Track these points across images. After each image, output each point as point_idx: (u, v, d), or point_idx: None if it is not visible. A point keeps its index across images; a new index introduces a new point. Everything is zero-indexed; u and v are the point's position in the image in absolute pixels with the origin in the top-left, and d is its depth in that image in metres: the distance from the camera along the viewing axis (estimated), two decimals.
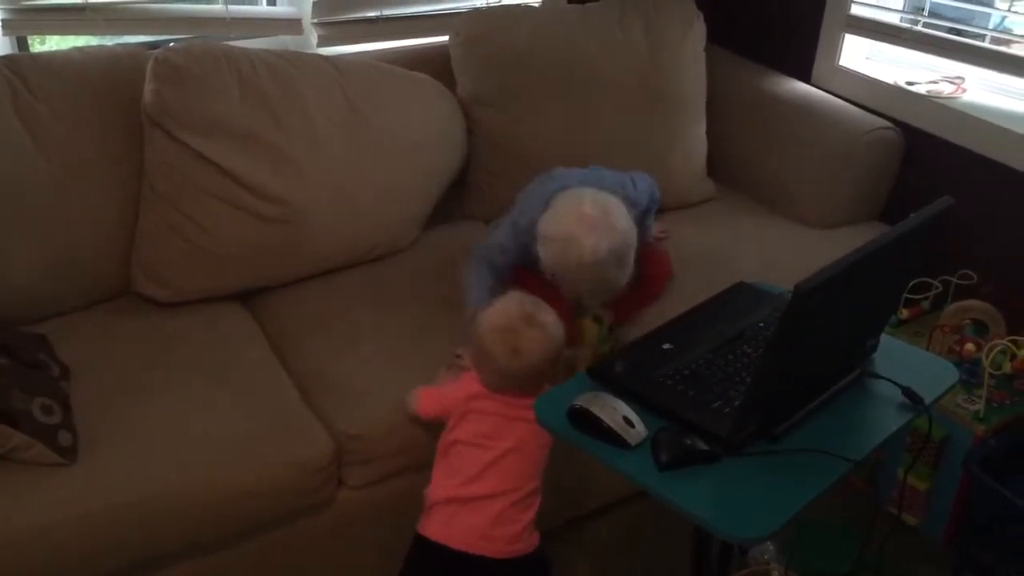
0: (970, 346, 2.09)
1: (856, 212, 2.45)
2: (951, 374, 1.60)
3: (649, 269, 2.13)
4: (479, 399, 1.69)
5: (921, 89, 2.42)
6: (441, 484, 1.71)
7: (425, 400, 1.76)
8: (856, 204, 2.44)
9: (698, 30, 2.51)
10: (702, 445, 1.38)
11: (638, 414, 1.44)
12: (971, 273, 2.29)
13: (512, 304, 1.68)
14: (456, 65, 2.40)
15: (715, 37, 2.60)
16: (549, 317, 1.66)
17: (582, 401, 1.45)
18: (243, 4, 2.36)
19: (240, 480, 1.65)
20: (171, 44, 1.99)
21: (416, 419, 1.77)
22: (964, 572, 2.03)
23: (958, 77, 2.45)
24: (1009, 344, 2.04)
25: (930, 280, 2.31)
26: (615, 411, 1.42)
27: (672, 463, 1.36)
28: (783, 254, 2.29)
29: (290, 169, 2.03)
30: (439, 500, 1.70)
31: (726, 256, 2.26)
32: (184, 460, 1.64)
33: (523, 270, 1.98)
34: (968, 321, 2.18)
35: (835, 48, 2.57)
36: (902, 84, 2.45)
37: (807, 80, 2.64)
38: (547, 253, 1.83)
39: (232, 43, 2.20)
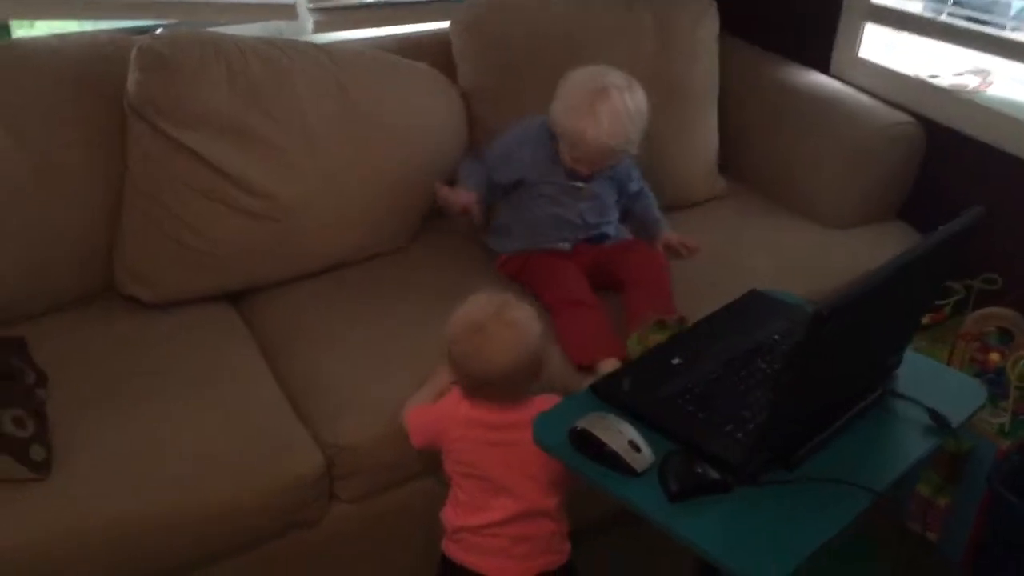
0: (995, 355, 1.99)
1: (875, 211, 2.34)
2: (978, 394, 1.52)
3: (639, 274, 2.02)
4: (459, 426, 1.56)
5: (944, 82, 2.31)
6: (452, 511, 1.62)
7: (413, 429, 1.63)
8: (875, 203, 2.33)
9: (711, 18, 2.40)
10: (714, 474, 1.29)
11: (645, 436, 1.35)
12: (996, 277, 2.18)
13: (482, 300, 1.55)
14: (457, 54, 2.29)
15: (729, 26, 2.48)
16: (521, 313, 1.53)
17: (585, 423, 1.36)
18: None
19: (225, 497, 1.55)
20: (158, 31, 1.88)
21: (401, 440, 1.65)
22: None
23: (983, 70, 2.34)
24: None
25: (952, 284, 2.21)
26: (620, 434, 1.33)
27: (682, 494, 1.27)
28: (798, 256, 2.19)
29: (281, 164, 1.93)
30: (453, 527, 1.61)
31: (737, 258, 2.16)
32: (165, 475, 1.54)
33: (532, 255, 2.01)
34: (992, 329, 2.08)
35: (855, 38, 2.46)
36: (924, 77, 2.35)
37: (825, 71, 2.53)
38: (578, 106, 1.91)
39: (222, 31, 2.10)
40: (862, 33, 2.45)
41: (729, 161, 2.47)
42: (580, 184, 2.04)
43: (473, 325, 1.51)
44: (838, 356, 1.28)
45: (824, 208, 2.33)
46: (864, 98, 2.37)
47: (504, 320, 1.50)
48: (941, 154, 2.31)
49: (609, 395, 1.44)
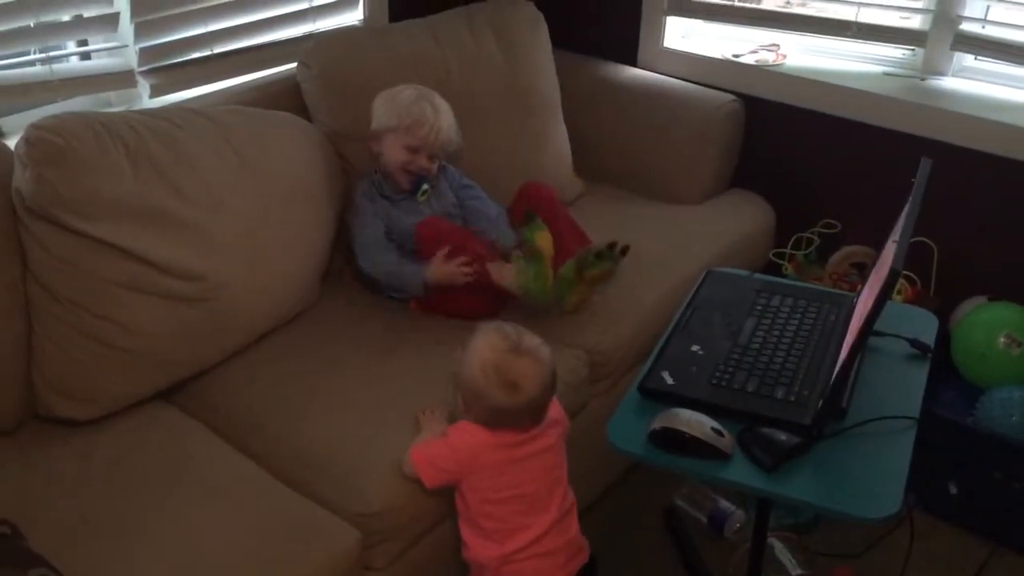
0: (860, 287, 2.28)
1: (719, 182, 2.59)
2: (929, 319, 1.75)
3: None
4: (482, 453, 1.56)
5: (749, 60, 2.59)
6: (482, 547, 1.60)
7: (425, 471, 1.60)
8: (717, 176, 2.58)
9: (543, 28, 2.50)
10: (795, 439, 1.41)
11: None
12: (834, 222, 2.50)
13: (495, 336, 1.55)
14: (311, 101, 2.22)
15: None
16: (535, 340, 1.57)
17: (664, 422, 1.43)
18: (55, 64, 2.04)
19: None
20: (38, 121, 1.68)
21: (421, 486, 1.62)
22: None
23: (774, 44, 2.64)
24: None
25: (802, 234, 2.50)
26: (701, 424, 1.42)
27: (778, 464, 1.38)
28: (675, 233, 2.37)
29: (202, 240, 1.80)
30: (488, 563, 1.60)
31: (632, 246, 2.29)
32: None
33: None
34: (848, 268, 2.38)
35: (659, 31, 2.68)
36: (730, 57, 2.61)
37: (633, 64, 2.73)
38: (407, 100, 2.06)
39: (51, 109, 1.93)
40: (664, 26, 2.67)
41: (576, 161, 2.60)
42: (424, 187, 2.11)
43: (497, 366, 1.51)
44: None
45: (678, 189, 2.53)
46: (686, 85, 2.60)
47: (525, 351, 1.53)
48: (759, 123, 2.59)
49: (657, 392, 1.52)
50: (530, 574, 1.59)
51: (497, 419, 1.55)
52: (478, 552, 1.61)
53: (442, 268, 1.97)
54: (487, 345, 1.55)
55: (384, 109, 2.09)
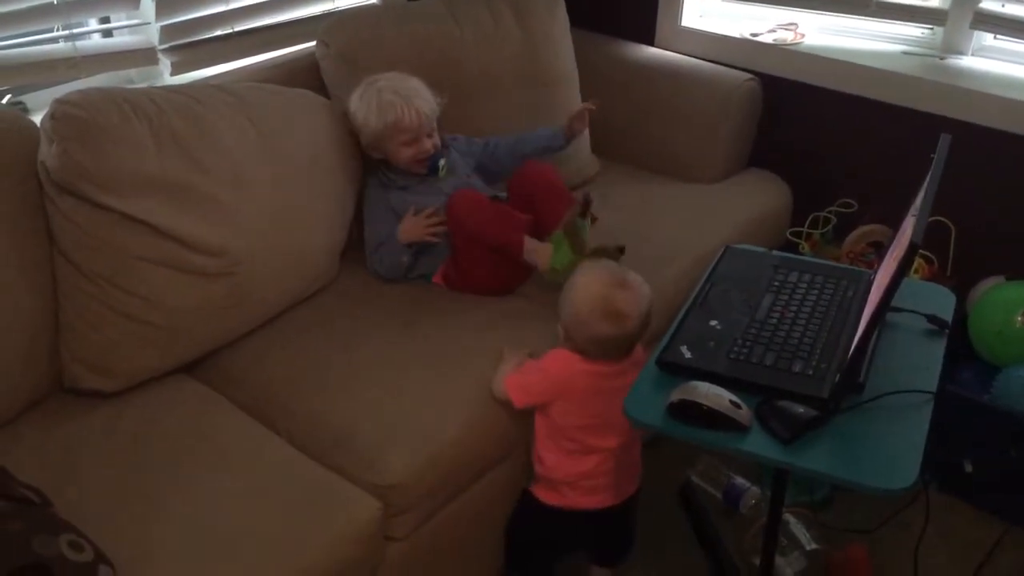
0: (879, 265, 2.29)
1: (735, 162, 2.59)
2: (947, 295, 1.76)
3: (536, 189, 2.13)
4: (575, 378, 1.67)
5: (767, 39, 2.59)
6: (561, 464, 1.74)
7: (517, 394, 1.72)
8: (735, 155, 2.58)
9: (561, 7, 2.51)
10: (812, 412, 1.42)
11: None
12: (851, 201, 2.50)
13: (601, 271, 1.67)
14: (329, 78, 2.24)
15: None
16: (638, 277, 1.67)
17: (682, 394, 1.44)
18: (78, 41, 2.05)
19: (304, 564, 1.48)
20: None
21: (509, 405, 1.74)
22: None
23: (792, 23, 2.64)
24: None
25: (818, 213, 2.51)
26: (719, 397, 1.43)
27: (795, 437, 1.39)
28: (692, 212, 2.38)
29: (222, 215, 1.82)
30: (565, 478, 1.74)
31: (642, 225, 2.29)
32: (239, 564, 1.44)
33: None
34: (865, 247, 2.38)
35: (677, 10, 2.68)
36: (748, 36, 2.61)
37: (650, 44, 2.73)
38: (380, 116, 2.05)
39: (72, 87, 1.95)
40: (682, 4, 2.67)
41: (594, 142, 2.60)
42: (441, 162, 2.13)
43: (605, 297, 1.63)
44: None
45: (694, 168, 2.54)
46: (702, 64, 2.60)
47: (628, 286, 1.64)
48: (778, 103, 2.59)
49: (675, 366, 1.54)
50: (585, 490, 1.75)
51: (596, 348, 1.66)
52: (555, 469, 1.75)
53: (408, 225, 2.06)
54: (595, 279, 1.67)
55: (363, 120, 2.08)
